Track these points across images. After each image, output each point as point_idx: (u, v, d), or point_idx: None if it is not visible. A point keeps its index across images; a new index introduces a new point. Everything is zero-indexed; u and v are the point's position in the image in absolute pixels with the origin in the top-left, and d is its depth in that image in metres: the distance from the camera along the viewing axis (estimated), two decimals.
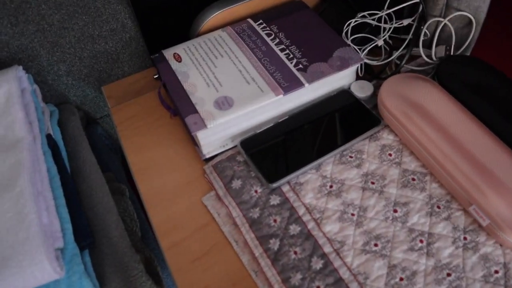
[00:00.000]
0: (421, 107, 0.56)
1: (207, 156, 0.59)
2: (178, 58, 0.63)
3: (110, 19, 0.68)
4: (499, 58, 0.66)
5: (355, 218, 0.52)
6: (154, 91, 0.69)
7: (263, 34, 0.65)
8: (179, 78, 0.60)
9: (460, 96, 0.57)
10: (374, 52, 0.68)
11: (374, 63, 0.64)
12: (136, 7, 0.66)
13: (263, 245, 0.50)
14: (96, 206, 0.58)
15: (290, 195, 0.54)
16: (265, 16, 0.68)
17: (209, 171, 0.58)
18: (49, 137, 0.62)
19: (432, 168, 0.54)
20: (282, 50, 0.63)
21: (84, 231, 0.54)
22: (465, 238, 0.50)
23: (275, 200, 0.53)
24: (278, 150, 0.56)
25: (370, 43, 0.65)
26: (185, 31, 0.68)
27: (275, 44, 0.63)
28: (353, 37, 0.65)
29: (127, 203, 0.65)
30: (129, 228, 0.62)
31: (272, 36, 0.65)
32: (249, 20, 0.67)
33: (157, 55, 0.64)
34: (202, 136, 0.57)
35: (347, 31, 0.65)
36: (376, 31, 0.66)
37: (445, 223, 0.51)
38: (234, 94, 0.58)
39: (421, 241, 0.49)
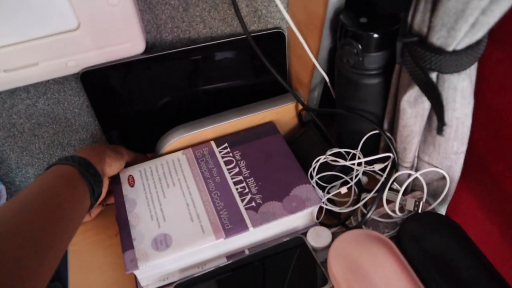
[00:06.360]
0: (368, 278, 0.50)
1: None
2: (131, 182, 0.61)
3: (80, 129, 0.68)
4: (478, 216, 0.59)
5: None
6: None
7: (221, 162, 0.63)
8: (127, 206, 0.59)
9: (416, 265, 0.51)
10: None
11: (336, 209, 0.60)
12: (102, 121, 0.66)
13: None
14: None
15: None
16: (232, 139, 0.66)
17: None
18: None
19: None
20: (237, 182, 0.60)
21: None
22: None
23: None
24: None
25: (337, 183, 0.61)
26: (153, 145, 0.67)
27: (232, 175, 0.61)
28: (320, 174, 0.61)
29: None
30: None
31: (232, 165, 0.62)
32: (212, 143, 0.65)
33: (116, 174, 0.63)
34: (138, 272, 0.54)
35: (315, 167, 0.61)
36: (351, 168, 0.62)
37: None
38: (174, 232, 0.55)
39: None
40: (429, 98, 0.45)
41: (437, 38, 0.42)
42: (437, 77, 0.45)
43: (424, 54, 0.43)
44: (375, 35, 0.49)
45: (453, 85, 0.45)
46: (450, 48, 0.42)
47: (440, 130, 0.45)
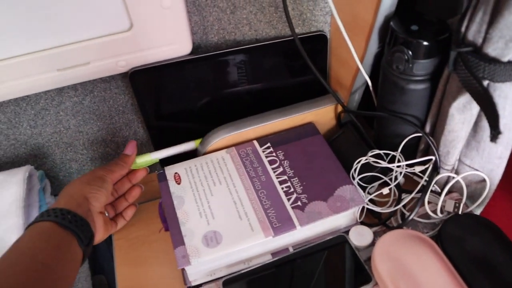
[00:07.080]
0: (412, 276, 0.52)
1: (193, 284, 0.59)
2: (178, 179, 0.63)
3: (123, 127, 0.70)
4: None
5: None
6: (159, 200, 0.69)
7: (266, 161, 0.64)
8: (175, 203, 0.60)
9: (458, 265, 0.53)
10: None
11: (378, 209, 0.61)
12: (146, 117, 0.67)
13: None
14: None
15: None
16: (274, 139, 0.67)
17: None
18: None
19: None
20: (282, 182, 0.61)
21: None
22: None
23: None
24: None
25: (375, 184, 0.63)
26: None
27: (277, 175, 0.62)
28: (361, 176, 0.63)
29: None
30: None
31: (276, 164, 0.64)
32: (255, 143, 0.67)
33: (161, 171, 0.65)
34: (188, 268, 0.56)
35: (356, 168, 0.63)
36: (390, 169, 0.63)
37: None
38: (224, 229, 0.57)
39: None
40: (481, 106, 0.47)
41: (493, 49, 0.43)
42: (488, 85, 0.46)
43: (478, 63, 0.45)
44: (426, 43, 0.50)
45: (504, 94, 0.46)
46: (506, 59, 0.43)
47: (494, 138, 0.46)
